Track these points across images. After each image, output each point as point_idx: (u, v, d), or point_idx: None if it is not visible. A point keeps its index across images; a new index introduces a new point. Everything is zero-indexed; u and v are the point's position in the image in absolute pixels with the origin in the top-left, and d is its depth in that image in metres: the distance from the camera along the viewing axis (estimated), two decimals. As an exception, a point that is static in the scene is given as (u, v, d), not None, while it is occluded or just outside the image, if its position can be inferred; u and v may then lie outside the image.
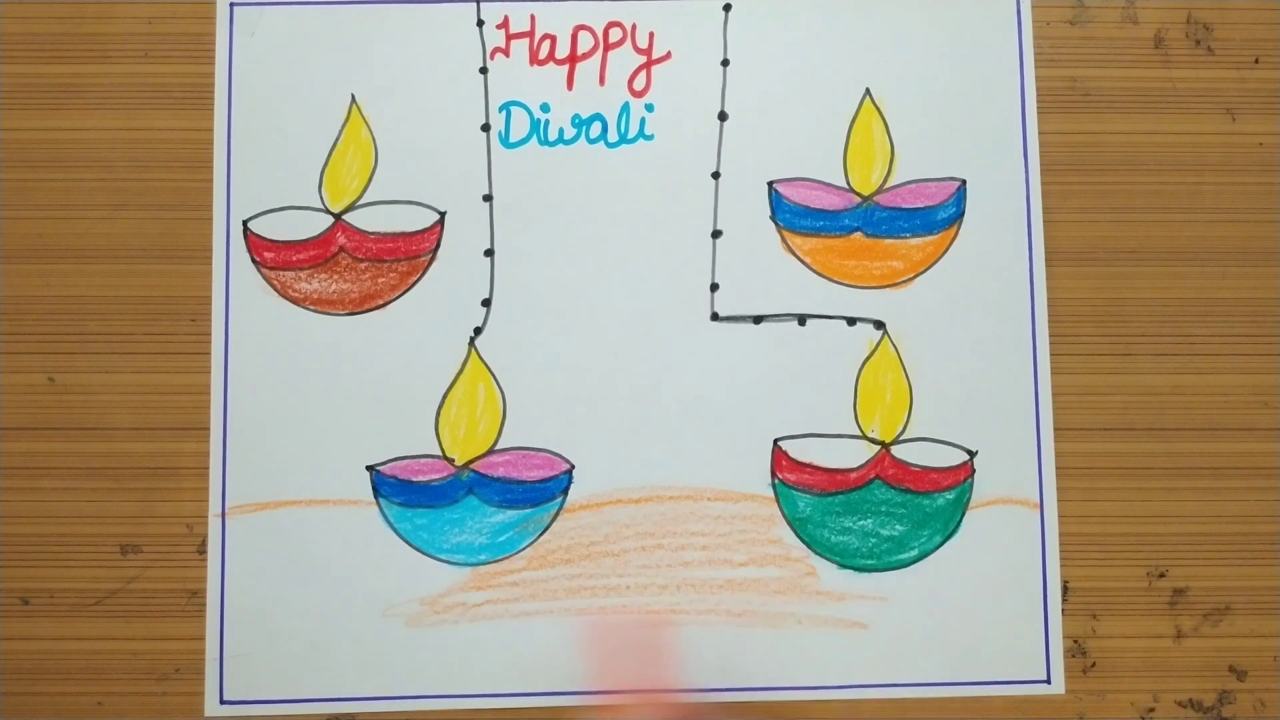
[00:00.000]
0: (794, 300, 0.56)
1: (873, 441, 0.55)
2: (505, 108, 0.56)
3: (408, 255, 0.56)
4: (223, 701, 0.54)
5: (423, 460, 0.55)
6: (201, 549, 0.54)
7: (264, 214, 0.56)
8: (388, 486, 0.55)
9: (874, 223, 0.56)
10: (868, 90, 0.57)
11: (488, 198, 0.56)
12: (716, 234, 0.56)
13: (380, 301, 0.56)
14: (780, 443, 0.55)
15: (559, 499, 0.55)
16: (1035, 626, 0.54)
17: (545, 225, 0.56)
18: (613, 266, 0.56)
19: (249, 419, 0.55)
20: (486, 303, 0.56)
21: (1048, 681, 0.54)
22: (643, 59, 0.57)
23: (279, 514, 0.54)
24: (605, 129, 0.56)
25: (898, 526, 0.55)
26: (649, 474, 0.55)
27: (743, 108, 0.57)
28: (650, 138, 0.56)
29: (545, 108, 0.57)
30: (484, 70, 0.57)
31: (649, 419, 0.55)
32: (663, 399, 0.55)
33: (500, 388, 0.55)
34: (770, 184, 0.56)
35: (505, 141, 0.56)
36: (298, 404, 0.55)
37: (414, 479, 0.55)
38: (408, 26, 0.57)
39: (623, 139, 0.56)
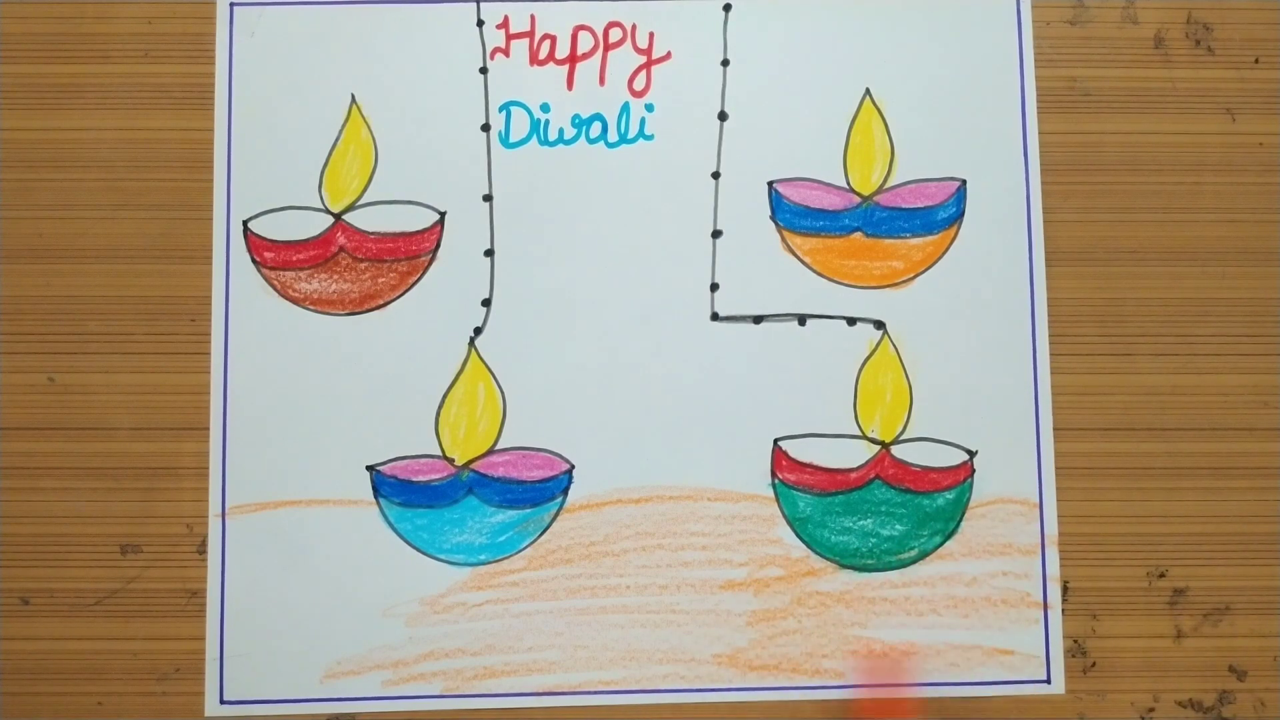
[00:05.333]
0: (794, 300, 0.56)
1: (873, 441, 0.55)
2: (505, 108, 0.56)
3: (408, 255, 0.56)
4: (223, 701, 0.54)
5: (423, 460, 0.55)
6: (201, 549, 0.54)
7: (264, 214, 0.56)
8: (388, 486, 0.55)
9: (874, 223, 0.56)
10: (868, 90, 0.57)
11: (488, 198, 0.56)
12: (716, 234, 0.56)
13: (380, 301, 0.56)
14: (780, 443, 0.55)
15: (559, 499, 0.55)
16: (1035, 626, 0.54)
17: (545, 225, 0.56)
18: (613, 266, 0.56)
19: (249, 419, 0.55)
20: (486, 303, 0.56)
21: (1048, 681, 0.54)
22: (643, 59, 0.57)
23: (279, 514, 0.54)
24: (605, 129, 0.56)
25: (898, 526, 0.55)
26: (649, 474, 0.55)
27: (743, 108, 0.57)
28: (650, 138, 0.56)
29: (545, 108, 0.57)
30: (484, 70, 0.57)
31: (649, 419, 0.55)
32: (663, 399, 0.55)
33: (500, 388, 0.55)
34: (770, 184, 0.56)
35: (505, 141, 0.56)
36: (298, 404, 0.55)
37: (414, 479, 0.55)
38: (408, 26, 0.57)
39: (623, 139, 0.56)
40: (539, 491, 0.55)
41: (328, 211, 0.56)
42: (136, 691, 0.54)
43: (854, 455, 0.55)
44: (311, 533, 0.54)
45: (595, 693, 0.54)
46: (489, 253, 0.56)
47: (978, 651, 0.54)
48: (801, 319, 0.56)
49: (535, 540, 0.55)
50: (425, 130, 0.56)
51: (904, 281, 0.56)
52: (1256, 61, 0.57)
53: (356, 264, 0.56)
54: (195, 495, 0.55)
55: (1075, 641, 0.55)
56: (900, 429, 0.55)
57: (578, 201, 0.56)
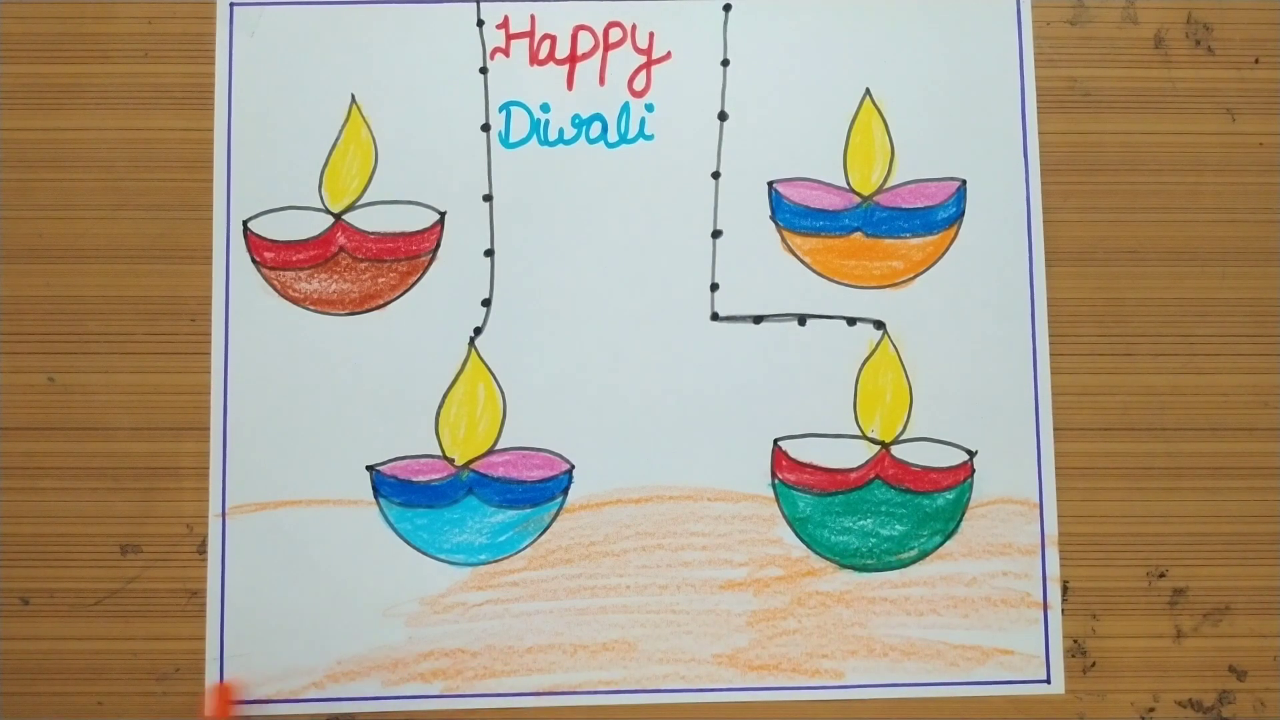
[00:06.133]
0: (794, 300, 0.56)
1: (873, 441, 0.55)
2: (505, 108, 0.56)
3: (408, 255, 0.56)
4: (223, 701, 0.54)
5: (423, 460, 0.55)
6: (201, 549, 0.54)
7: (264, 214, 0.56)
8: (388, 486, 0.55)
9: (874, 223, 0.56)
10: (868, 90, 0.57)
11: (488, 198, 0.56)
12: (716, 234, 0.56)
13: (380, 301, 0.56)
14: (780, 443, 0.55)
15: (559, 499, 0.55)
16: (1035, 626, 0.54)
17: (545, 225, 0.56)
18: (613, 266, 0.56)
19: (249, 419, 0.55)
20: (486, 303, 0.56)
21: (1048, 681, 0.54)
22: (643, 59, 0.57)
23: (279, 514, 0.54)
24: (605, 129, 0.56)
25: (898, 526, 0.55)
26: (649, 474, 0.55)
27: (743, 108, 0.57)
28: (650, 138, 0.56)
29: (545, 108, 0.57)
30: (484, 70, 0.57)
31: (649, 419, 0.55)
32: (663, 399, 0.55)
33: (500, 388, 0.55)
34: (770, 184, 0.56)
35: (505, 141, 0.56)
36: (298, 404, 0.55)
37: (414, 479, 0.55)
38: (408, 26, 0.57)
39: (623, 139, 0.56)
40: (539, 491, 0.55)
41: (328, 211, 0.56)
42: (136, 691, 0.54)
43: (854, 455, 0.55)
44: (311, 533, 0.54)
45: (595, 693, 0.54)
46: (489, 253, 0.56)
47: (978, 651, 0.54)
48: (801, 319, 0.56)
49: (535, 540, 0.55)
50: (425, 130, 0.56)
51: (904, 281, 0.56)
52: (1256, 61, 0.57)
53: (356, 264, 0.56)
54: (195, 495, 0.55)
55: (1075, 641, 0.55)
56: (900, 429, 0.55)
57: (578, 201, 0.56)
